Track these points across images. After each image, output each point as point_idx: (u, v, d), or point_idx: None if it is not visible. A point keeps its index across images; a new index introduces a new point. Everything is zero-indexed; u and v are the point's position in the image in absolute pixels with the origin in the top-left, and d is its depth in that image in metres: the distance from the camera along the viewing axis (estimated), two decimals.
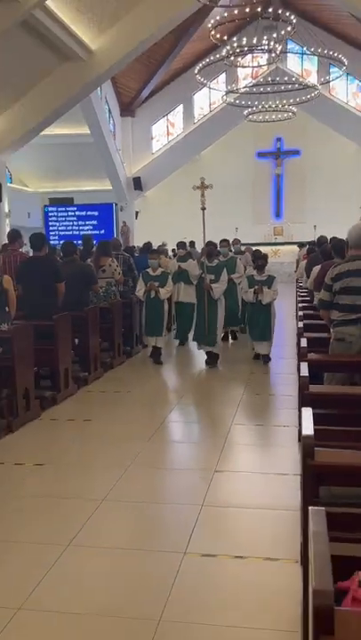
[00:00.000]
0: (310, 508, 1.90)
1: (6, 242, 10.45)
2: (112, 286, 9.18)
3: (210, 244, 9.45)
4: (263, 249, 22.96)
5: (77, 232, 22.49)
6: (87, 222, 23.59)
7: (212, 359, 8.96)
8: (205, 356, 9.08)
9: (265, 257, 9.56)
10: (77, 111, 18.14)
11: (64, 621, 2.98)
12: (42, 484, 4.84)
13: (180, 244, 12.01)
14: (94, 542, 3.78)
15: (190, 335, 10.12)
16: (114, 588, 3.28)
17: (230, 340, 10.99)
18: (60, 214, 23.67)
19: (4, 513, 4.22)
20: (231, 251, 11.61)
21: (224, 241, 11.48)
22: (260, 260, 9.31)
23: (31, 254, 8.06)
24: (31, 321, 6.60)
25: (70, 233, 22.79)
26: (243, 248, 15.11)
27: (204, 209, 8.98)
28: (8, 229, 13.64)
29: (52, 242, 20.77)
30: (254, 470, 5.07)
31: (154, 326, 9.04)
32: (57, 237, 22.52)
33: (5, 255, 8.88)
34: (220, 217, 22.95)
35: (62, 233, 23.10)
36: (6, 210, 17.16)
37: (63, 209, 23.71)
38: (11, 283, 6.72)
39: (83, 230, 22.64)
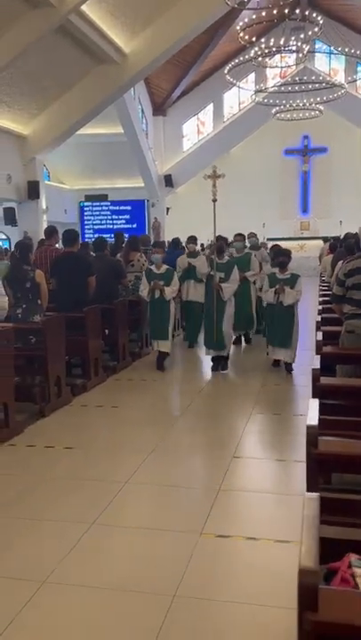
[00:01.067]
0: (305, 494, 1.96)
1: (43, 238, 10.63)
2: (140, 280, 9.10)
3: (220, 239, 8.32)
4: (290, 243, 22.88)
5: (111, 226, 22.82)
6: (120, 217, 23.82)
7: (218, 363, 7.90)
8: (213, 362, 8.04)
9: (287, 253, 7.94)
10: (112, 111, 18.21)
11: (85, 595, 3.05)
12: (70, 466, 4.92)
13: (191, 239, 10.33)
14: (117, 521, 3.86)
15: (201, 337, 8.99)
16: (133, 565, 3.37)
17: (243, 344, 9.86)
18: (94, 210, 23.90)
19: (34, 492, 4.33)
20: (246, 246, 10.07)
21: (239, 235, 10.01)
22: (281, 257, 7.85)
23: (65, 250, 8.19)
24: (63, 313, 6.72)
25: (104, 227, 23.12)
26: (259, 242, 12.88)
27: (215, 200, 8.08)
28: (45, 225, 13.82)
29: (86, 236, 21.20)
30: (271, 457, 5.08)
31: (159, 329, 7.96)
32: (92, 232, 22.84)
33: (41, 250, 9.04)
34: (248, 212, 23.00)
35: (97, 227, 23.37)
36: (44, 206, 17.30)
37: (98, 205, 23.91)
38: (43, 277, 6.85)
39: (116, 225, 22.96)
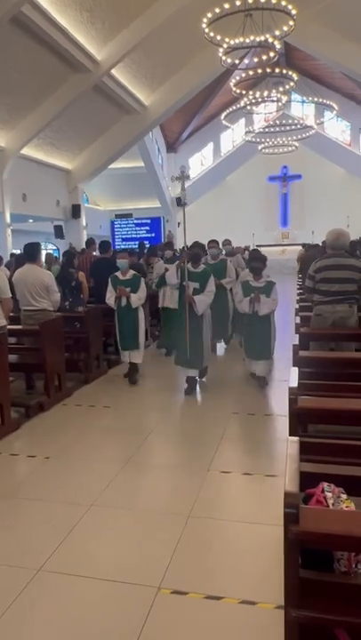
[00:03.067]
0: (288, 438, 1.98)
1: (84, 247, 10.65)
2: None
3: (196, 246, 6.18)
4: (273, 249, 22.91)
5: (135, 236, 23.17)
6: (142, 228, 24.16)
7: (192, 386, 5.54)
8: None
9: (262, 259, 5.81)
10: (135, 149, 18.11)
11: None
12: (108, 420, 4.97)
13: (168, 245, 8.61)
14: (147, 461, 3.90)
15: None
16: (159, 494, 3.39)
17: (222, 345, 7.83)
18: (122, 225, 24.23)
19: (82, 441, 4.36)
20: (222, 252, 7.85)
21: (212, 242, 7.71)
22: (255, 262, 5.72)
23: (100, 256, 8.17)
24: (99, 305, 6.74)
25: (130, 236, 23.55)
26: (234, 248, 10.23)
27: (184, 204, 6.00)
28: (85, 238, 13.86)
29: (116, 245, 21.50)
30: (261, 413, 4.95)
31: (127, 339, 5.93)
32: (121, 241, 23.32)
33: (83, 257, 9.06)
34: (240, 225, 22.92)
35: (124, 236, 23.77)
36: (84, 223, 17.33)
37: (125, 221, 24.23)
38: (84, 277, 6.88)
39: (139, 234, 23.40)
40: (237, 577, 2.49)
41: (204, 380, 5.93)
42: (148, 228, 24.03)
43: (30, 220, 16.73)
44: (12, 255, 10.78)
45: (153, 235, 23.48)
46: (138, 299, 5.88)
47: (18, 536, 2.93)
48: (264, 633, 2.13)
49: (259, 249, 7.21)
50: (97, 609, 2.33)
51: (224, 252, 8.10)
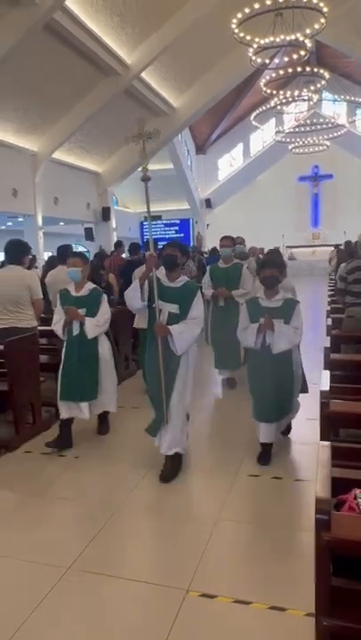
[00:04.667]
0: (319, 442, 1.94)
1: (113, 249, 10.75)
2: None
3: (172, 246, 3.66)
4: (302, 250, 22.60)
5: (164, 236, 23.44)
6: (171, 228, 24.36)
7: (171, 469, 3.54)
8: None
9: (279, 264, 3.86)
10: (164, 152, 18.17)
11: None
12: (135, 420, 4.96)
13: (133, 246, 7.06)
14: None
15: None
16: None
17: (224, 389, 5.70)
18: (152, 227, 24.34)
19: (115, 440, 4.38)
20: (233, 252, 5.83)
21: (226, 238, 5.63)
22: (267, 269, 3.68)
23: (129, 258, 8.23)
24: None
25: (158, 236, 23.70)
26: (247, 249, 8.18)
27: (147, 179, 3.80)
28: (115, 240, 13.99)
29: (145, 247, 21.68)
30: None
31: (75, 385, 4.01)
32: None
33: (112, 259, 9.15)
34: (269, 226, 22.73)
35: (153, 237, 23.90)
36: (114, 226, 17.53)
37: (154, 223, 24.33)
38: (114, 279, 6.93)
39: (168, 235, 23.64)
40: (267, 582, 2.45)
41: (179, 451, 3.62)
42: (177, 228, 24.19)
43: (61, 223, 17.01)
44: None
45: (182, 235, 23.66)
46: (95, 325, 4.00)
47: (48, 534, 2.96)
48: None
49: (278, 250, 5.17)
50: (125, 609, 2.34)
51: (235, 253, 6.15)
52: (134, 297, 3.51)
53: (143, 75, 12.73)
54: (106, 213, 16.92)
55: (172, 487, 3.47)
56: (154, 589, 2.44)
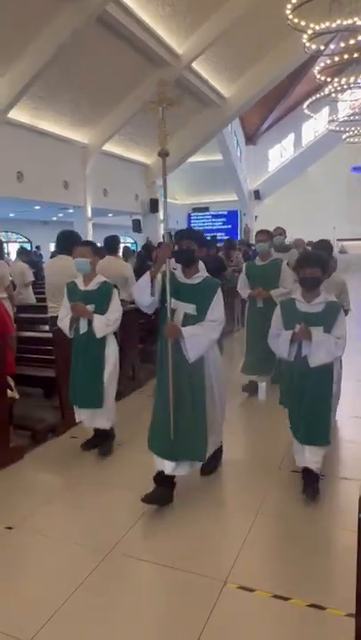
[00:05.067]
0: None
1: (161, 241, 10.82)
2: (236, 272, 8.76)
3: (187, 238, 3.09)
4: (354, 244, 21.82)
5: (211, 227, 23.52)
6: (219, 220, 24.42)
7: (162, 490, 3.03)
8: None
9: (321, 260, 3.10)
10: (213, 142, 18.05)
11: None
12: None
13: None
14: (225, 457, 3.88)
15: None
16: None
17: (250, 395, 5.17)
18: (199, 219, 24.49)
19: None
20: (272, 246, 5.23)
21: (262, 232, 5.09)
22: (307, 267, 3.06)
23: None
24: None
25: (206, 227, 23.85)
26: (289, 242, 7.62)
27: (165, 153, 3.24)
28: (162, 232, 14.09)
29: None
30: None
31: (85, 390, 3.71)
32: None
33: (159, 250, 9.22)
34: (320, 218, 22.20)
35: (200, 228, 24.07)
36: (161, 218, 17.60)
37: (201, 215, 24.43)
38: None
39: (216, 226, 23.73)
40: (307, 580, 2.42)
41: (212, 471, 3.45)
42: (224, 219, 24.17)
43: (110, 215, 17.26)
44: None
45: (230, 226, 23.61)
46: (105, 324, 3.60)
47: (91, 518, 3.03)
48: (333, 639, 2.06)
49: (327, 241, 4.28)
50: (163, 595, 2.38)
51: (273, 247, 5.50)
52: (144, 290, 2.97)
53: (194, 64, 12.65)
54: (154, 205, 17.03)
55: (211, 479, 3.47)
56: (193, 578, 2.45)
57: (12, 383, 3.93)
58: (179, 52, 11.83)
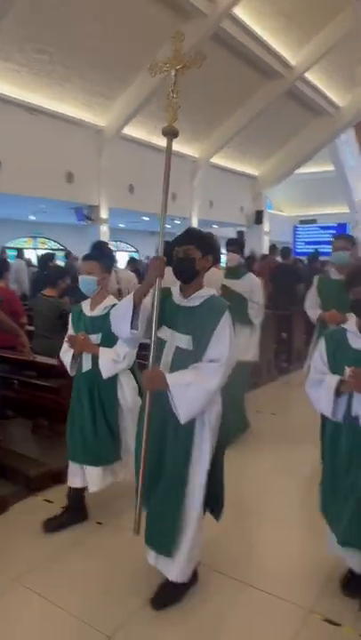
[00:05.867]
0: None
1: (265, 253, 10.76)
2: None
3: (186, 240, 2.22)
4: None
5: (319, 240, 22.86)
6: (326, 232, 23.64)
7: (161, 599, 2.26)
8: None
9: None
10: (323, 152, 17.54)
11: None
12: (273, 427, 4.85)
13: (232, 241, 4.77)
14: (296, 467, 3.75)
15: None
16: None
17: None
18: (305, 230, 23.95)
19: (244, 448, 4.32)
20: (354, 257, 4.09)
21: (341, 239, 3.82)
22: (360, 288, 2.10)
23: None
24: (276, 312, 6.67)
25: (313, 239, 23.05)
26: None
27: (172, 133, 2.42)
28: (266, 244, 13.98)
29: (298, 250, 21.35)
30: None
31: (83, 441, 2.81)
32: (303, 244, 22.87)
33: (263, 262, 9.16)
34: None
35: (306, 239, 23.43)
36: (266, 229, 17.48)
37: (307, 227, 23.87)
38: (262, 283, 6.91)
39: (323, 238, 23.02)
40: None
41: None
42: (333, 231, 23.32)
43: (214, 226, 17.50)
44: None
45: None
46: (113, 360, 2.73)
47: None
48: None
49: None
50: (247, 615, 2.33)
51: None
52: (123, 318, 2.17)
53: (307, 74, 12.43)
54: (258, 217, 16.96)
55: (300, 487, 3.35)
56: (277, 603, 2.37)
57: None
58: (292, 62, 11.70)
